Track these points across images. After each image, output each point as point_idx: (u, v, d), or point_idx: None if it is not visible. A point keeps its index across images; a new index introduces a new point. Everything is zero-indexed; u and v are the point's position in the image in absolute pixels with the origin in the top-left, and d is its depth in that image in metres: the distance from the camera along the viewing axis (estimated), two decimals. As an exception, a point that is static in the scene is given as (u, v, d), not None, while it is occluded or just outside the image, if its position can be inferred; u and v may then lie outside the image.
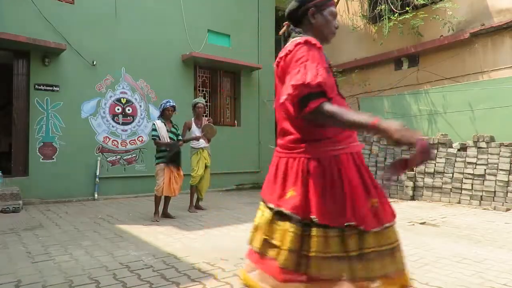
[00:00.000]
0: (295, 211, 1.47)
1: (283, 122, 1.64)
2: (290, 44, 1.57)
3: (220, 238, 4.19)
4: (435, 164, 7.24)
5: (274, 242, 1.51)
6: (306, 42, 1.51)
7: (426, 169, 7.34)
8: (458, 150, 7.02)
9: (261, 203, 1.67)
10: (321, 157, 1.51)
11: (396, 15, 9.13)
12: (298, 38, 1.57)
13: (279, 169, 1.60)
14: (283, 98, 1.47)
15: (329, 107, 1.41)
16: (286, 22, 1.74)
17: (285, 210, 1.49)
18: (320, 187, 1.47)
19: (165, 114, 5.41)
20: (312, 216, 1.44)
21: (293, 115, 1.53)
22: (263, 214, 1.62)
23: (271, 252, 1.52)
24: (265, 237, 1.54)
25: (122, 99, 8.05)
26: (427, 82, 9.09)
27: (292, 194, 1.50)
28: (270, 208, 1.57)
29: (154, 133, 5.30)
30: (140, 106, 8.29)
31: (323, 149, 1.52)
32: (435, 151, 7.28)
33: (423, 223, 5.05)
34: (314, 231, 1.44)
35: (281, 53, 1.60)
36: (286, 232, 1.48)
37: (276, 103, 1.67)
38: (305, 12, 1.68)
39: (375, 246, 1.47)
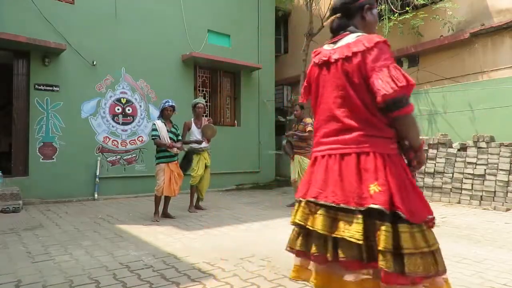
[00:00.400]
0: (386, 206, 1.41)
1: (345, 118, 1.59)
2: (359, 42, 1.57)
3: (220, 238, 4.19)
4: (435, 164, 7.24)
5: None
6: (386, 42, 1.54)
7: (426, 169, 7.34)
8: (458, 150, 7.02)
9: (313, 205, 1.60)
10: (391, 153, 1.53)
11: (396, 15, 9.12)
12: (367, 35, 1.59)
13: (346, 168, 1.53)
14: (382, 93, 1.45)
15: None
16: (338, 14, 1.74)
17: (377, 206, 1.40)
18: (399, 182, 1.46)
19: (164, 114, 5.41)
20: (399, 212, 1.41)
21: (370, 110, 1.54)
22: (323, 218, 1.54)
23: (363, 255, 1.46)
24: (359, 241, 1.43)
25: (122, 99, 8.05)
26: (427, 82, 9.09)
27: (377, 189, 1.43)
28: (346, 209, 1.49)
29: (154, 133, 5.29)
30: (140, 106, 8.29)
31: (389, 146, 1.55)
32: (435, 151, 7.28)
33: (423, 223, 5.04)
34: (403, 227, 1.41)
35: (354, 48, 1.57)
36: (382, 232, 1.41)
37: (331, 99, 1.64)
38: (360, 7, 1.71)
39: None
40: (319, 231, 1.54)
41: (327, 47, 1.77)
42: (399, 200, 1.42)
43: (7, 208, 5.81)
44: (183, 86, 8.93)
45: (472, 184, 6.68)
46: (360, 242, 1.42)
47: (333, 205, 1.52)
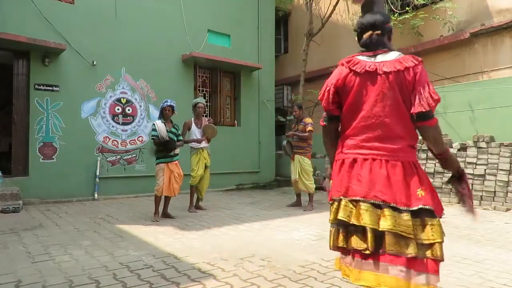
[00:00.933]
0: (433, 206, 1.72)
1: (394, 126, 1.78)
2: (408, 58, 1.81)
3: (220, 238, 4.19)
4: (435, 164, 7.24)
5: (424, 239, 1.69)
6: (422, 62, 1.82)
7: (426, 169, 7.34)
8: (458, 150, 7.02)
9: (363, 204, 1.77)
10: (417, 162, 1.82)
11: (396, 15, 9.12)
12: (410, 55, 1.85)
13: (393, 172, 1.75)
14: (425, 105, 1.70)
15: None
16: (378, 31, 1.88)
17: (428, 206, 1.70)
18: (431, 186, 1.79)
19: (164, 114, 5.41)
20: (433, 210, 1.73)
21: (413, 121, 1.77)
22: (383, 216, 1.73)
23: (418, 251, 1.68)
24: (411, 236, 1.68)
25: (122, 99, 8.05)
26: (427, 82, 9.09)
27: (423, 193, 1.72)
28: (393, 208, 1.71)
29: (154, 133, 5.29)
30: (140, 106, 8.30)
31: (415, 155, 1.85)
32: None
33: (423, 223, 5.04)
34: (435, 221, 1.72)
35: (406, 63, 1.78)
36: (431, 227, 1.70)
37: (379, 107, 1.80)
38: (389, 30, 1.93)
39: None
40: (367, 226, 1.72)
41: (365, 58, 1.87)
42: (435, 201, 1.76)
43: (7, 208, 5.81)
44: (183, 86, 8.93)
45: (472, 184, 6.68)
46: (411, 236, 1.66)
47: (381, 203, 1.72)
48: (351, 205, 1.78)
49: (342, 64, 1.92)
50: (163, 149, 5.22)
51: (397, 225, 1.68)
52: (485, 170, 6.55)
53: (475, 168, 6.69)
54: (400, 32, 9.11)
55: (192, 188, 6.10)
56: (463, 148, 6.99)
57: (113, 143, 7.90)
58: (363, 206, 1.74)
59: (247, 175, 9.88)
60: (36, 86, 7.05)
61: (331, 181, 2.01)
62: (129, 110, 8.14)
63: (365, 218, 1.72)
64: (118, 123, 7.99)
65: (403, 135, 1.77)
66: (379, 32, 1.86)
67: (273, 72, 10.78)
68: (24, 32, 6.75)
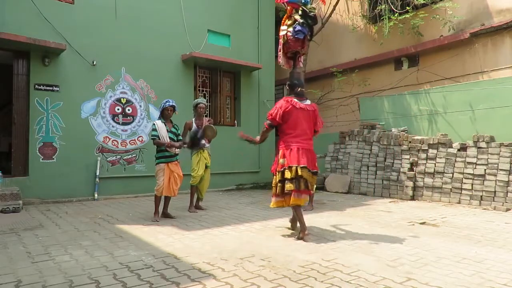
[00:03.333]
0: (317, 170, 4.27)
1: (309, 134, 4.22)
2: (315, 105, 4.35)
3: (220, 238, 4.19)
4: (435, 164, 7.24)
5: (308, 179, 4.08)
6: (317, 106, 4.45)
7: (426, 169, 7.34)
8: (458, 150, 7.02)
9: (294, 165, 4.01)
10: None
11: (396, 15, 9.13)
12: (313, 103, 4.40)
13: (310, 155, 4.14)
14: (318, 127, 4.32)
15: None
16: (303, 89, 4.31)
17: (316, 170, 4.21)
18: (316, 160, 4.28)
19: (165, 114, 5.41)
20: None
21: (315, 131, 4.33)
22: (297, 170, 4.00)
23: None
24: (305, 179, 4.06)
25: (122, 99, 8.05)
26: (427, 82, 9.09)
27: (316, 165, 4.27)
28: (304, 167, 4.01)
29: (154, 133, 5.29)
30: (140, 106, 8.30)
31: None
32: (435, 151, 7.29)
33: (423, 223, 5.05)
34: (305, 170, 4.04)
35: (312, 107, 4.27)
36: (315, 178, 4.28)
37: (315, 125, 4.30)
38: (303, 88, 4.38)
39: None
40: (304, 177, 4.01)
41: (298, 101, 4.16)
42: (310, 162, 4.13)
43: (7, 208, 5.81)
44: (183, 86, 8.93)
45: (472, 184, 6.68)
46: (311, 181, 4.18)
47: (308, 168, 4.04)
48: (305, 170, 4.02)
49: (286, 101, 4.13)
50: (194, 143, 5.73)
51: (309, 177, 4.07)
52: (485, 170, 6.55)
53: (475, 168, 6.69)
54: (400, 32, 9.12)
55: (192, 188, 6.10)
56: (463, 148, 6.99)
57: (113, 143, 7.90)
58: (304, 169, 4.01)
59: (247, 175, 9.88)
60: (36, 86, 7.05)
61: (285, 158, 4.07)
62: (129, 110, 8.14)
63: (304, 174, 4.01)
64: (118, 123, 8.00)
65: (311, 138, 4.24)
66: (303, 89, 4.30)
67: (273, 72, 10.78)
68: (24, 32, 6.75)
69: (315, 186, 6.33)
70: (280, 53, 4.88)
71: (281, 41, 4.83)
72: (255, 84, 10.27)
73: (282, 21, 4.91)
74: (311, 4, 4.88)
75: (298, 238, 4.04)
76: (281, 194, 4.08)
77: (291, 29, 4.66)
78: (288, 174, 3.96)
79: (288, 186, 3.97)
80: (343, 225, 4.91)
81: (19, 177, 6.90)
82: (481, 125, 7.09)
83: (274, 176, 4.22)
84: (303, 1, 4.69)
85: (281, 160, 4.09)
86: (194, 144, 5.76)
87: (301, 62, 5.15)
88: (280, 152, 4.14)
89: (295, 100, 4.11)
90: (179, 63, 8.88)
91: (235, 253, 3.55)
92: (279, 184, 4.06)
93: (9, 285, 2.72)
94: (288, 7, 4.80)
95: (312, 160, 4.10)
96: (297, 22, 4.62)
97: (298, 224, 4.20)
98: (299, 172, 3.94)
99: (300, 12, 4.67)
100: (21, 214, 5.77)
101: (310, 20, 4.68)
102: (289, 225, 4.66)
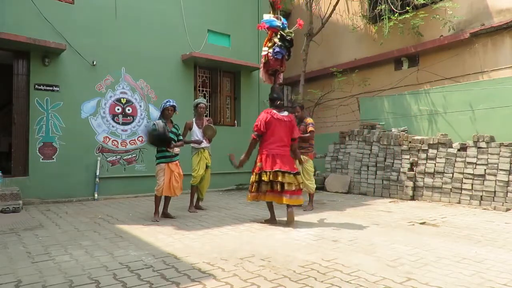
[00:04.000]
0: (296, 171, 4.91)
1: (286, 141, 4.90)
2: (291, 116, 5.02)
3: (220, 238, 4.19)
4: (435, 164, 7.24)
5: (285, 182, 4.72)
6: (293, 117, 5.22)
7: (426, 169, 7.34)
8: (458, 150, 7.02)
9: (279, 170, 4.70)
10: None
11: (396, 15, 9.13)
12: (290, 114, 5.08)
13: (287, 158, 4.84)
14: (296, 135, 5.03)
15: None
16: (281, 101, 5.07)
17: (296, 171, 4.86)
18: (294, 163, 5.10)
19: (165, 114, 5.40)
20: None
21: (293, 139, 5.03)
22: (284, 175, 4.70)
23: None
24: (283, 182, 4.70)
25: (122, 99, 8.05)
26: (427, 82, 9.09)
27: (296, 166, 5.13)
28: (278, 171, 4.68)
29: (154, 133, 5.28)
30: (140, 106, 8.30)
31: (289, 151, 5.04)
32: (435, 151, 7.29)
33: (423, 223, 5.05)
34: (297, 176, 4.85)
35: (289, 118, 4.92)
36: (297, 178, 4.84)
37: (292, 133, 4.95)
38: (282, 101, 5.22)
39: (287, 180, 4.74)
40: (282, 181, 4.65)
41: (277, 112, 4.81)
42: (296, 168, 4.99)
43: (7, 208, 5.81)
44: (183, 86, 8.93)
45: (472, 184, 6.68)
46: (294, 182, 4.77)
47: (286, 171, 4.69)
48: (273, 173, 4.63)
49: (267, 112, 4.81)
50: (159, 141, 5.08)
51: (292, 180, 4.67)
52: (485, 170, 6.55)
53: (475, 168, 6.69)
54: (400, 32, 9.12)
55: (192, 188, 6.10)
56: (463, 148, 7.00)
57: (113, 143, 7.90)
58: (280, 172, 4.63)
59: (247, 175, 9.78)
60: (36, 86, 7.05)
61: (261, 163, 4.76)
62: (129, 110, 8.14)
63: (279, 177, 4.62)
64: (118, 123, 8.00)
65: (287, 145, 4.87)
66: (282, 102, 4.96)
67: (273, 72, 10.76)
68: (24, 32, 6.75)
69: (314, 186, 6.35)
70: (262, 71, 5.79)
71: (262, 60, 5.70)
72: (255, 84, 10.26)
73: (264, 43, 5.76)
74: (288, 29, 5.66)
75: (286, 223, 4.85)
76: (256, 191, 4.80)
77: (271, 50, 5.56)
78: (264, 177, 4.70)
79: (264, 187, 4.72)
80: (343, 225, 4.91)
81: (19, 177, 6.90)
82: (481, 125, 7.09)
83: (252, 176, 4.87)
84: (281, 26, 5.57)
85: (258, 164, 4.81)
86: (158, 140, 5.08)
87: (280, 79, 5.98)
88: (259, 156, 4.86)
89: (274, 111, 4.84)
90: (179, 63, 8.88)
91: (235, 253, 3.55)
92: (255, 184, 4.81)
93: (9, 285, 2.72)
94: (269, 32, 5.67)
95: (288, 163, 4.76)
96: (276, 44, 5.50)
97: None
98: (271, 177, 4.66)
99: (278, 36, 5.52)
100: (21, 214, 5.77)
101: (287, 43, 5.56)
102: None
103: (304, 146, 6.26)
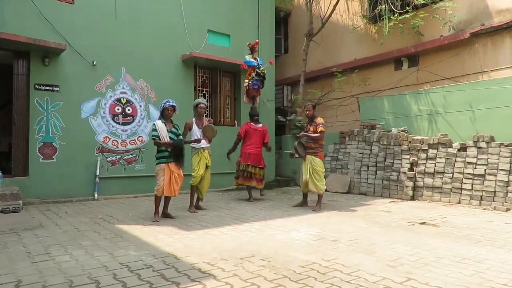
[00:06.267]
0: (264, 166, 7.51)
1: (259, 144, 7.35)
2: (265, 126, 7.59)
3: (220, 238, 4.19)
4: (435, 164, 7.24)
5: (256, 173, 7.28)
6: (266, 127, 7.83)
7: (426, 169, 7.34)
8: (458, 150, 7.02)
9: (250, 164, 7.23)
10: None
11: (396, 15, 9.12)
12: (264, 125, 7.68)
13: (259, 156, 7.35)
14: (267, 139, 7.47)
15: None
16: (258, 117, 7.69)
17: (263, 166, 7.37)
18: (262, 159, 7.54)
19: (165, 114, 5.40)
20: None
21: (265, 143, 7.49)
22: (255, 169, 7.28)
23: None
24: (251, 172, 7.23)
25: (122, 99, 8.05)
26: (427, 82, 9.09)
27: (264, 163, 7.47)
28: (249, 164, 7.19)
29: (154, 133, 5.28)
30: (140, 106, 8.30)
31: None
32: (435, 151, 7.29)
33: (423, 223, 5.05)
34: (263, 170, 7.41)
35: (262, 128, 7.46)
36: (263, 171, 7.45)
37: (264, 139, 7.44)
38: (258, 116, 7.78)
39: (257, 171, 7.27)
40: (250, 171, 7.16)
41: (254, 123, 7.37)
42: (265, 163, 7.51)
43: (7, 208, 5.81)
44: (183, 86, 8.93)
45: (472, 184, 6.68)
46: (261, 174, 7.33)
47: (255, 165, 7.20)
48: (250, 166, 7.13)
49: (247, 124, 7.36)
50: (175, 151, 5.30)
51: (258, 172, 7.22)
52: (485, 170, 6.55)
53: (475, 168, 6.69)
54: (400, 32, 9.12)
55: (192, 188, 6.10)
56: (463, 148, 7.00)
57: (113, 143, 7.90)
58: (251, 166, 7.15)
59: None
60: (36, 86, 7.05)
61: (240, 158, 7.29)
62: (129, 110, 8.14)
63: (250, 169, 7.15)
64: (118, 123, 8.00)
65: (260, 146, 7.33)
66: (258, 118, 7.48)
67: (273, 72, 10.77)
68: (24, 32, 6.74)
69: (324, 188, 6.33)
70: (244, 96, 8.32)
71: (245, 88, 8.16)
72: (255, 84, 10.24)
73: (246, 76, 8.15)
74: (262, 67, 8.11)
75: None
76: (237, 178, 7.33)
77: (250, 82, 7.99)
78: (242, 168, 7.13)
79: (240, 174, 7.18)
80: (343, 225, 4.91)
81: (19, 177, 6.90)
82: (481, 125, 7.09)
83: (237, 167, 7.30)
84: (257, 66, 7.98)
85: (239, 159, 7.28)
86: (178, 157, 5.37)
87: (257, 103, 8.27)
88: (240, 154, 7.34)
89: (252, 123, 7.33)
90: (179, 63, 8.88)
91: (235, 253, 3.55)
92: (237, 173, 7.28)
93: (9, 285, 2.72)
94: (248, 69, 8.03)
95: (258, 160, 7.19)
96: (253, 78, 7.96)
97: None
98: (245, 168, 7.10)
99: (255, 72, 7.95)
100: (21, 214, 5.77)
101: (261, 77, 8.05)
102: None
103: (314, 146, 6.23)
